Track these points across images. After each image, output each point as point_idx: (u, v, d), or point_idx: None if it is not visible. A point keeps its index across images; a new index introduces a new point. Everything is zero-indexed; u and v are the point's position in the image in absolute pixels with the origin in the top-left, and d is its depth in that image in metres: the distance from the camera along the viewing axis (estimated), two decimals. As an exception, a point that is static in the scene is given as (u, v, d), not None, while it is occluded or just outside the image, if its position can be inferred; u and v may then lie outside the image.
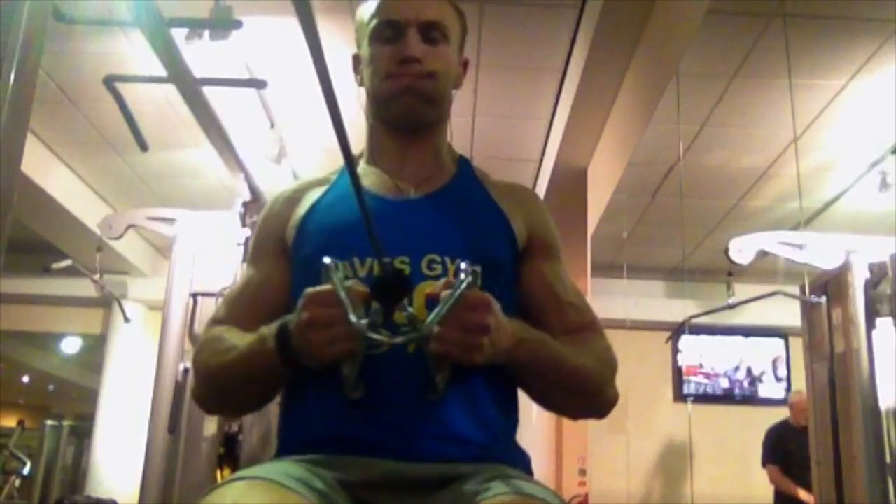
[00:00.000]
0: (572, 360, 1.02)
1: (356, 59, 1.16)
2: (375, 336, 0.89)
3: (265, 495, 0.80)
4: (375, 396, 0.94)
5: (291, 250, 1.09)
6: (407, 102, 1.07)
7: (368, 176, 1.11)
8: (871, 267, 3.06)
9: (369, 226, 0.82)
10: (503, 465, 0.93)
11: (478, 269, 0.92)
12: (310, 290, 0.92)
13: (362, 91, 1.15)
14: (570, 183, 4.54)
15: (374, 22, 1.10)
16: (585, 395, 1.05)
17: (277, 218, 1.12)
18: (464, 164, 1.18)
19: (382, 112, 1.12)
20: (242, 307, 1.09)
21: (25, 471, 6.26)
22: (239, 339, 1.00)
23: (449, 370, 0.93)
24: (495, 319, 0.91)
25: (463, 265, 0.93)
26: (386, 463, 0.90)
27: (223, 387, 1.04)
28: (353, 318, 0.88)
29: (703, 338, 6.80)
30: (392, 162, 1.12)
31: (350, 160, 0.76)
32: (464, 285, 0.90)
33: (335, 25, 3.06)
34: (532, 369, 1.00)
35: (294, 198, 1.13)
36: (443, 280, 0.95)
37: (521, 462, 1.00)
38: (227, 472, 3.21)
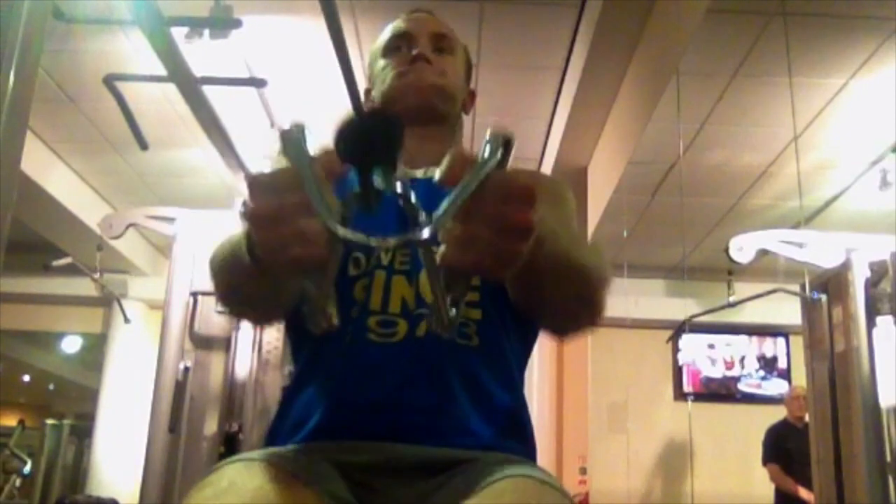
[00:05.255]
0: (580, 257, 0.90)
1: (367, 93, 1.18)
2: (352, 235, 0.58)
3: (262, 475, 0.80)
4: (374, 379, 0.92)
5: None
6: (420, 94, 1.09)
7: None
8: (872, 265, 3.07)
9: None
10: (507, 454, 0.92)
11: (511, 135, 0.64)
12: (271, 168, 0.67)
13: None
14: (570, 182, 4.50)
15: (387, 38, 1.15)
16: (585, 298, 0.92)
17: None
18: None
19: (395, 108, 1.11)
20: None
21: (26, 470, 6.25)
22: (233, 234, 0.87)
23: (466, 289, 0.67)
24: (538, 214, 0.66)
25: (489, 130, 0.63)
26: (387, 447, 0.89)
27: (223, 288, 0.93)
28: (321, 207, 0.59)
29: (704, 336, 6.80)
30: (408, 148, 1.08)
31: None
32: (492, 162, 0.61)
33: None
34: (543, 267, 0.79)
35: None
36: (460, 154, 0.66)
37: (527, 452, 0.98)
38: (227, 471, 3.22)
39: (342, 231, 0.58)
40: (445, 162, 0.64)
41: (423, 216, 0.61)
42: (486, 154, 0.61)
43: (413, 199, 0.65)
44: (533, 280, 0.81)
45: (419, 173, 1.06)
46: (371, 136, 0.59)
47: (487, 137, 0.63)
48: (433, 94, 1.10)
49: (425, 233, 0.58)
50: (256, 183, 0.64)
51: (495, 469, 0.84)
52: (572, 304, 0.92)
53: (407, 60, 1.10)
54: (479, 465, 0.86)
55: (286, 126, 0.64)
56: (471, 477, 0.84)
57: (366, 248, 0.63)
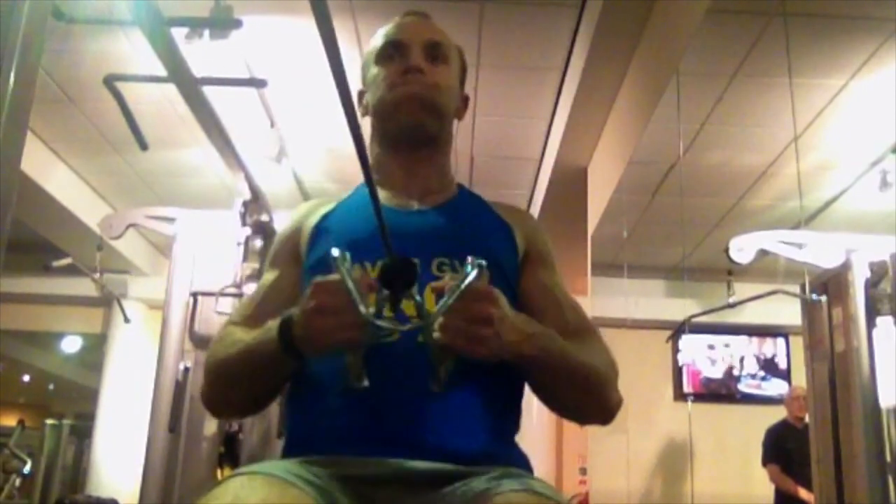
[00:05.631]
0: (580, 357, 1.02)
1: (360, 95, 1.19)
2: (382, 323, 0.88)
3: (265, 489, 0.81)
4: (379, 395, 0.93)
5: (304, 256, 1.11)
6: (411, 110, 1.10)
7: None
8: (872, 266, 3.06)
9: (379, 214, 0.84)
10: (507, 466, 0.93)
11: (483, 262, 0.92)
12: (318, 278, 0.91)
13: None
14: (570, 182, 4.54)
15: (380, 44, 1.15)
16: (592, 393, 1.04)
17: (294, 228, 1.16)
18: (462, 188, 1.23)
19: (387, 125, 1.14)
20: (254, 308, 1.11)
21: (26, 470, 6.25)
22: (246, 335, 1.02)
23: (453, 363, 0.92)
24: (500, 311, 0.91)
25: (469, 258, 0.92)
26: (388, 461, 0.90)
27: (227, 381, 1.05)
28: (361, 307, 0.87)
29: (704, 337, 6.79)
30: (396, 181, 1.15)
31: (362, 148, 0.76)
32: (470, 277, 0.90)
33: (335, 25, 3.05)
34: (541, 365, 0.99)
35: (311, 211, 1.17)
36: (450, 274, 0.97)
37: (522, 464, 1.00)
38: (227, 471, 3.22)
39: (376, 320, 0.88)
40: (443, 283, 0.92)
41: (426, 314, 0.91)
42: (468, 271, 0.91)
43: (419, 299, 0.91)
44: (537, 374, 1.01)
45: (414, 205, 1.13)
46: (394, 274, 0.88)
47: (469, 262, 0.92)
48: (423, 110, 1.10)
49: (430, 321, 0.89)
50: (318, 287, 0.90)
51: (497, 483, 0.85)
52: (580, 398, 1.05)
53: (400, 71, 1.10)
54: (481, 479, 0.87)
55: (335, 253, 0.90)
56: (474, 490, 0.85)
57: (390, 333, 0.92)
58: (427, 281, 0.98)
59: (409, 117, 1.10)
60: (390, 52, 1.13)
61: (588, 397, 1.05)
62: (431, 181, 1.16)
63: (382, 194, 1.11)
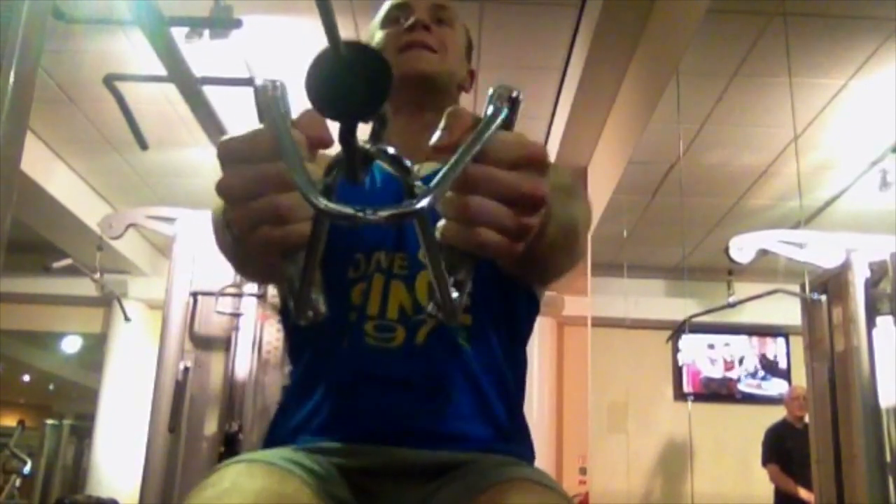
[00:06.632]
0: (569, 211, 0.83)
1: None
2: (336, 208, 0.48)
3: (264, 477, 0.80)
4: (372, 383, 0.91)
5: None
6: (418, 62, 1.05)
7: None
8: (872, 265, 3.07)
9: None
10: (507, 456, 0.92)
11: (516, 92, 0.55)
12: (245, 131, 0.57)
13: None
14: (570, 182, 4.53)
15: (385, 10, 1.12)
16: (573, 250, 0.87)
17: None
18: None
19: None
20: None
21: (26, 470, 6.25)
22: None
23: (471, 270, 0.55)
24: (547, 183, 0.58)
25: (492, 88, 0.55)
26: (386, 450, 0.89)
27: (220, 244, 0.88)
28: (298, 178, 0.49)
29: (704, 336, 6.80)
30: (402, 142, 1.09)
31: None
32: (498, 121, 0.54)
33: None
34: (547, 237, 0.73)
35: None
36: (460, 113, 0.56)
37: (525, 454, 0.98)
38: (227, 471, 3.21)
39: (324, 203, 0.47)
40: (443, 122, 0.55)
41: (420, 186, 0.50)
42: (490, 112, 0.53)
43: (408, 163, 0.52)
44: (535, 251, 0.69)
45: (416, 168, 1.03)
46: (353, 75, 0.47)
47: (491, 93, 0.54)
48: (430, 65, 1.06)
49: (423, 202, 0.48)
50: (227, 150, 0.55)
51: (495, 472, 0.84)
52: (561, 259, 0.86)
53: (405, 30, 1.07)
54: (478, 468, 0.86)
55: (262, 82, 0.55)
56: (471, 480, 0.84)
57: (352, 223, 0.47)
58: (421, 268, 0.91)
59: (415, 71, 1.05)
60: (395, 15, 1.10)
61: (570, 253, 0.87)
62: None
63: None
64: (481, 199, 0.52)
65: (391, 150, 0.51)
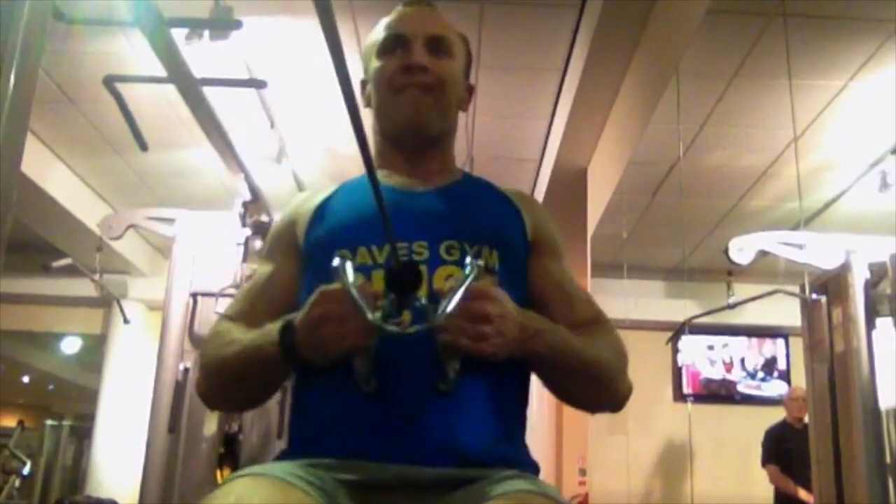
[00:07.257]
0: (589, 350, 1.01)
1: (363, 84, 1.17)
2: (388, 328, 0.89)
3: (269, 491, 0.81)
4: (386, 397, 0.93)
5: (303, 239, 1.09)
6: (413, 113, 1.08)
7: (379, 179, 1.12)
8: (871, 267, 3.06)
9: (381, 204, 0.83)
10: (512, 469, 0.93)
11: (481, 262, 0.96)
12: (322, 287, 0.92)
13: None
14: (570, 183, 4.53)
15: (382, 37, 1.12)
16: (602, 385, 1.04)
17: (289, 219, 1.14)
18: (467, 174, 1.21)
19: (389, 126, 1.12)
20: (251, 302, 1.10)
21: (25, 471, 6.25)
22: (242, 335, 1.00)
23: (459, 362, 0.93)
24: (499, 308, 0.92)
25: (468, 259, 0.95)
26: (393, 466, 0.90)
27: (223, 380, 1.04)
28: (367, 312, 0.88)
29: (703, 337, 6.79)
30: (399, 167, 1.13)
31: (363, 140, 0.74)
32: (470, 278, 0.92)
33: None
34: (550, 360, 0.99)
35: (306, 199, 1.15)
36: (451, 277, 0.97)
37: (529, 468, 0.99)
38: (227, 471, 3.21)
39: (383, 325, 0.89)
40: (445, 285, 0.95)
41: (431, 309, 0.92)
42: (467, 272, 0.93)
43: (424, 302, 0.93)
44: (547, 369, 1.02)
45: (419, 188, 1.10)
46: (400, 278, 0.90)
47: (468, 262, 0.94)
48: (426, 117, 1.09)
49: (438, 321, 0.89)
50: (323, 295, 0.90)
51: (499, 485, 0.85)
52: (590, 391, 1.05)
53: (401, 69, 1.08)
54: (483, 482, 0.87)
55: (336, 262, 0.91)
56: (476, 493, 0.85)
57: (397, 335, 0.90)
58: (437, 265, 0.99)
59: (410, 120, 1.09)
60: (392, 46, 1.10)
61: (598, 389, 1.04)
62: (434, 165, 1.14)
63: (384, 177, 1.09)
64: (455, 319, 0.90)
65: (423, 302, 0.94)
